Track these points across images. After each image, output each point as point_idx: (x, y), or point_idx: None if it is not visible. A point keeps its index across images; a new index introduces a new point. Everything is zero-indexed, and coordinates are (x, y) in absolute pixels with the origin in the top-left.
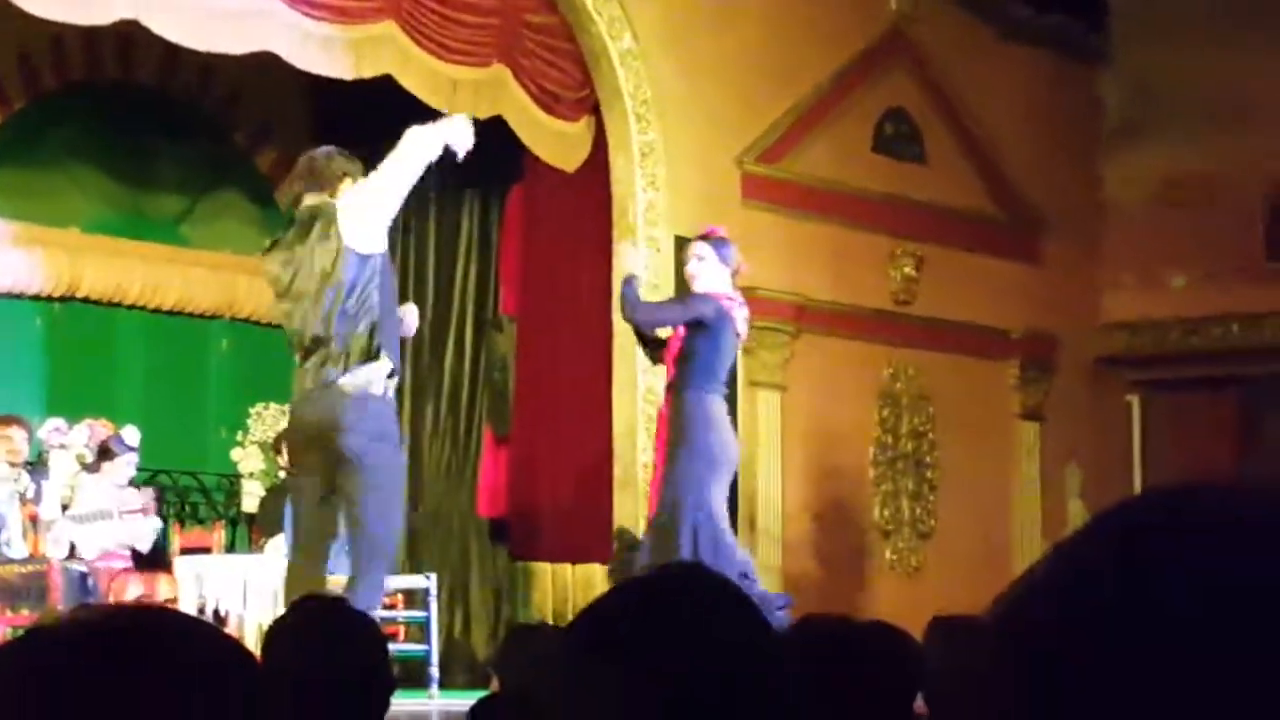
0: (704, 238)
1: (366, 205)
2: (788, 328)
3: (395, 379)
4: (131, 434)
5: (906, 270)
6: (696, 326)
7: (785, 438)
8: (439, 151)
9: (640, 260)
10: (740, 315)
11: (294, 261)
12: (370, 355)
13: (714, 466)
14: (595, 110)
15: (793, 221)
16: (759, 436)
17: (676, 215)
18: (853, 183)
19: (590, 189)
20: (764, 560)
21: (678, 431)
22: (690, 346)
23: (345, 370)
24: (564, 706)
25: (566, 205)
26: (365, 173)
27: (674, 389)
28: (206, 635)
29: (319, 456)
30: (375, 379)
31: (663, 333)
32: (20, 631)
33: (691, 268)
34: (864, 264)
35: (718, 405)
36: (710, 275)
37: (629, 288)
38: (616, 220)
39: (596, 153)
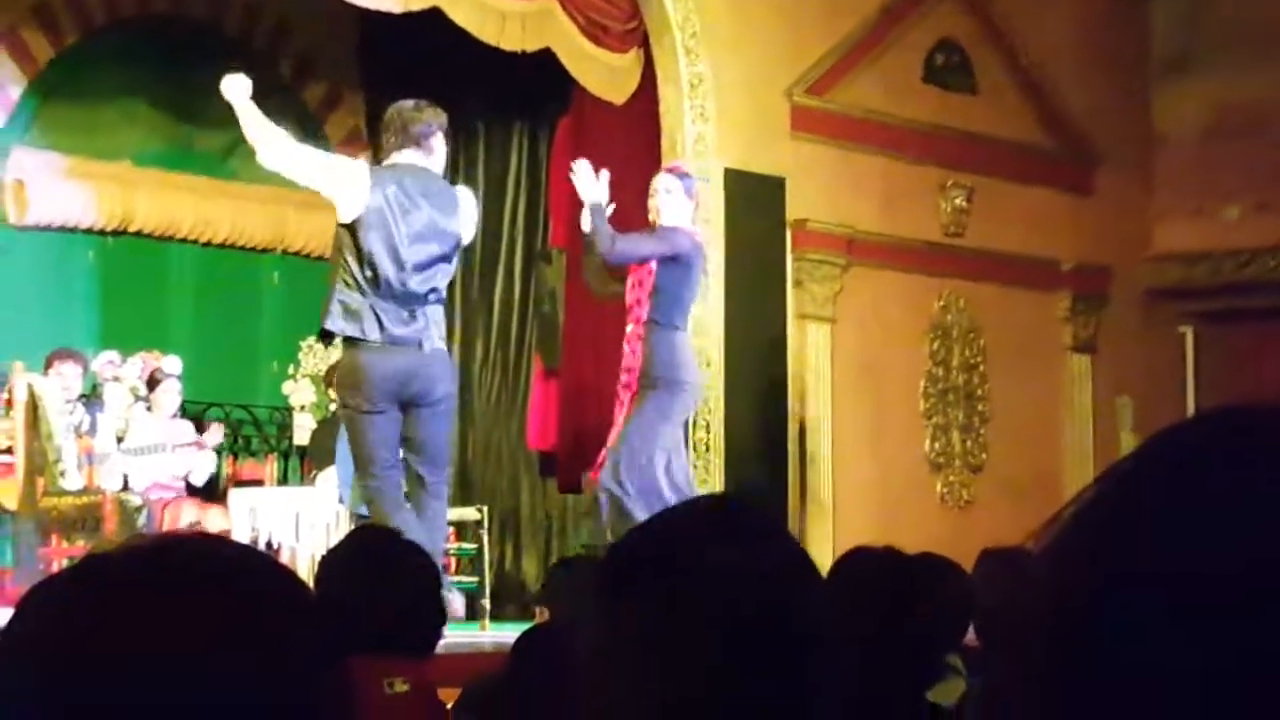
0: (669, 171)
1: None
2: (838, 260)
3: None
4: (173, 362)
5: (957, 202)
6: (670, 260)
7: (835, 371)
8: None
9: (604, 187)
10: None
11: (405, 211)
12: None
13: (685, 404)
14: (644, 42)
15: (842, 153)
16: (808, 370)
17: (726, 147)
18: (903, 114)
19: (639, 121)
20: (814, 494)
21: (650, 367)
22: (662, 281)
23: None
24: (592, 642)
25: (615, 138)
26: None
27: (647, 323)
28: (258, 561)
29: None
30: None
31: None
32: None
33: (658, 201)
34: (914, 196)
35: (685, 340)
36: (677, 209)
37: (600, 219)
38: (665, 152)
39: (645, 85)
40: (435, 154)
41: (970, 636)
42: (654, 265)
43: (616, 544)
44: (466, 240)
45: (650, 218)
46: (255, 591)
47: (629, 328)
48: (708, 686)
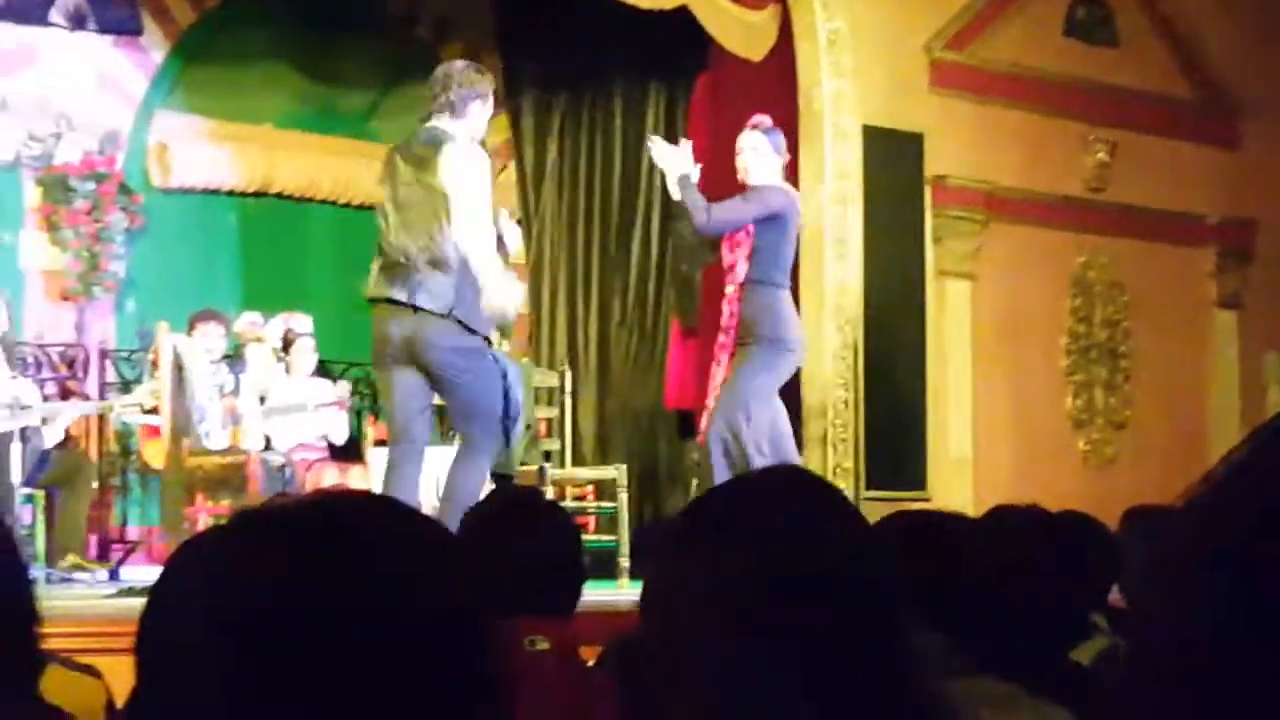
0: (754, 127)
1: (455, 179)
2: (977, 216)
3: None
4: (304, 321)
5: (1099, 156)
6: (767, 219)
7: (975, 328)
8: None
9: (688, 156)
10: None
11: (412, 170)
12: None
13: (789, 363)
14: None
15: (982, 108)
16: (947, 327)
17: (864, 104)
18: (1044, 67)
19: (776, 78)
20: (955, 451)
21: (755, 326)
22: (760, 240)
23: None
24: (655, 599)
25: (752, 95)
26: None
27: (747, 283)
28: (409, 516)
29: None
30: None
31: None
32: (220, 520)
33: (745, 160)
34: (1056, 150)
35: (788, 298)
36: (766, 166)
37: (690, 191)
38: (803, 110)
39: (782, 41)
40: (469, 119)
41: (1115, 595)
42: (751, 225)
43: (686, 507)
44: (452, 194)
45: (739, 177)
46: (402, 543)
47: (729, 288)
48: (758, 646)
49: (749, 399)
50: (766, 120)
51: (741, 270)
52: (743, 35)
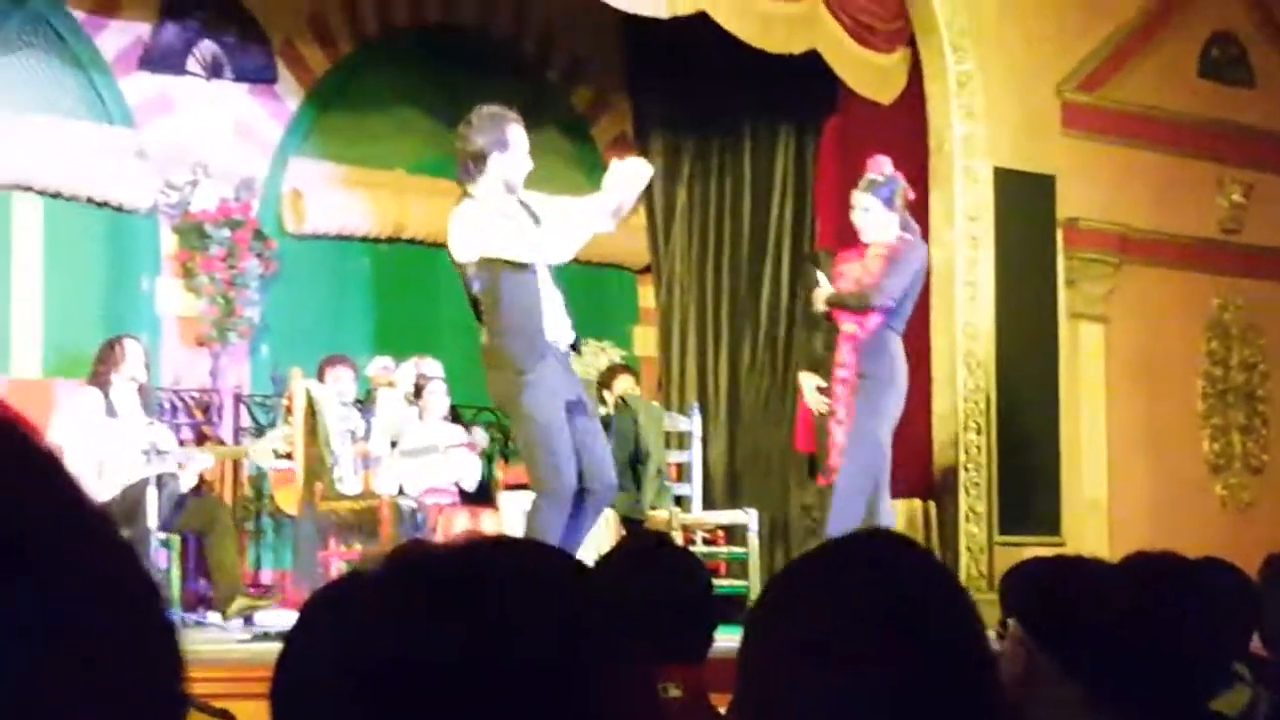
0: (864, 188)
1: (473, 231)
2: (1111, 258)
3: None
4: (434, 365)
5: (1234, 198)
6: None
7: (1109, 371)
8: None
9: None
10: None
11: None
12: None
13: (900, 406)
14: (910, 41)
15: (1115, 150)
16: (1081, 370)
17: (995, 146)
18: (1177, 108)
19: (906, 121)
20: (1089, 496)
21: (876, 369)
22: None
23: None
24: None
25: (882, 138)
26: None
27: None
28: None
29: None
30: None
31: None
32: (351, 566)
33: (858, 220)
34: (1189, 192)
35: (901, 345)
36: (880, 224)
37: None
38: (933, 152)
39: (912, 84)
40: (491, 172)
41: (1256, 644)
42: (881, 277)
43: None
44: (458, 256)
45: (859, 234)
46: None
47: (848, 326)
48: (851, 701)
49: (876, 442)
50: (879, 173)
51: (873, 318)
52: (872, 78)
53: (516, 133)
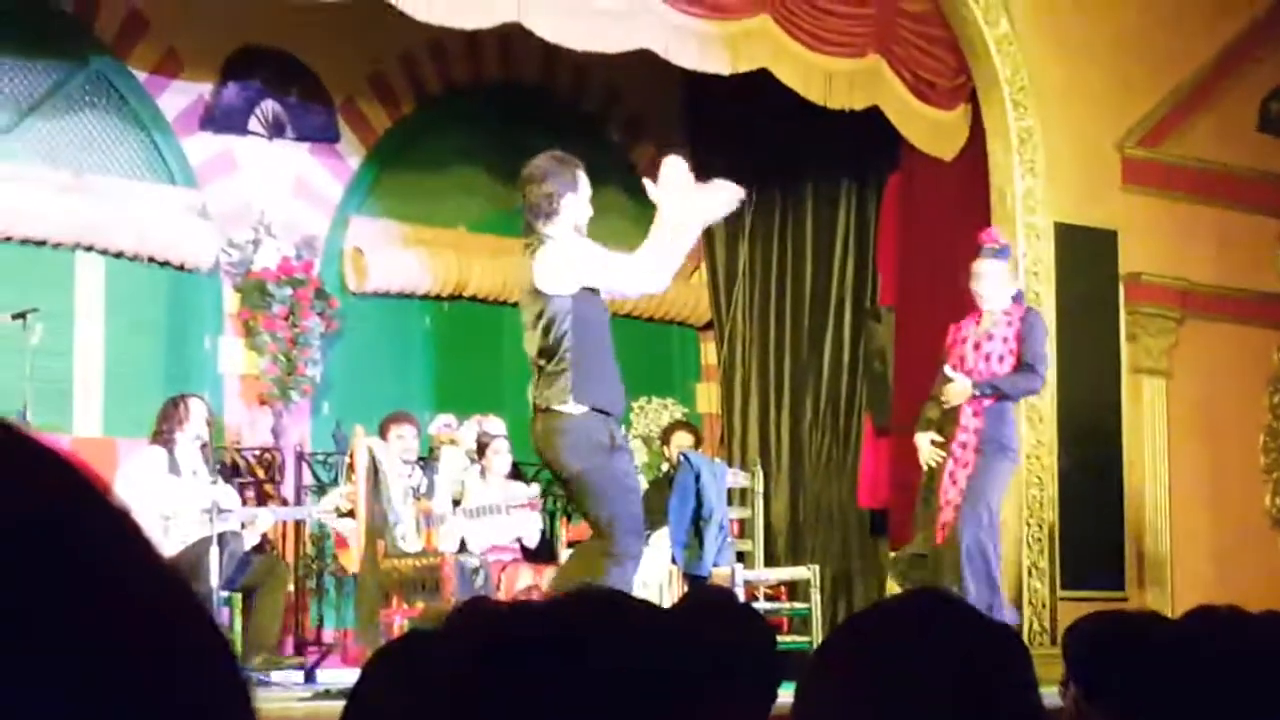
0: (983, 256)
1: (567, 262)
2: (1173, 313)
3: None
4: (496, 424)
5: None
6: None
7: (1172, 426)
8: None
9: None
10: None
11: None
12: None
13: (1013, 474)
14: (972, 97)
15: (1176, 205)
16: (1143, 424)
17: (1056, 202)
18: (1238, 163)
19: (968, 176)
20: (1150, 551)
21: (996, 433)
22: (1010, 351)
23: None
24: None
25: (944, 194)
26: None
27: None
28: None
29: None
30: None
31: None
32: (414, 623)
33: (979, 287)
34: (1251, 247)
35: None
36: (999, 287)
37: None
38: (995, 207)
39: (974, 140)
40: (563, 215)
41: None
42: (1016, 345)
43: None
44: (545, 287)
45: (977, 300)
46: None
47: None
48: None
49: (995, 507)
50: (994, 241)
51: (985, 377)
52: (934, 134)
53: (583, 176)
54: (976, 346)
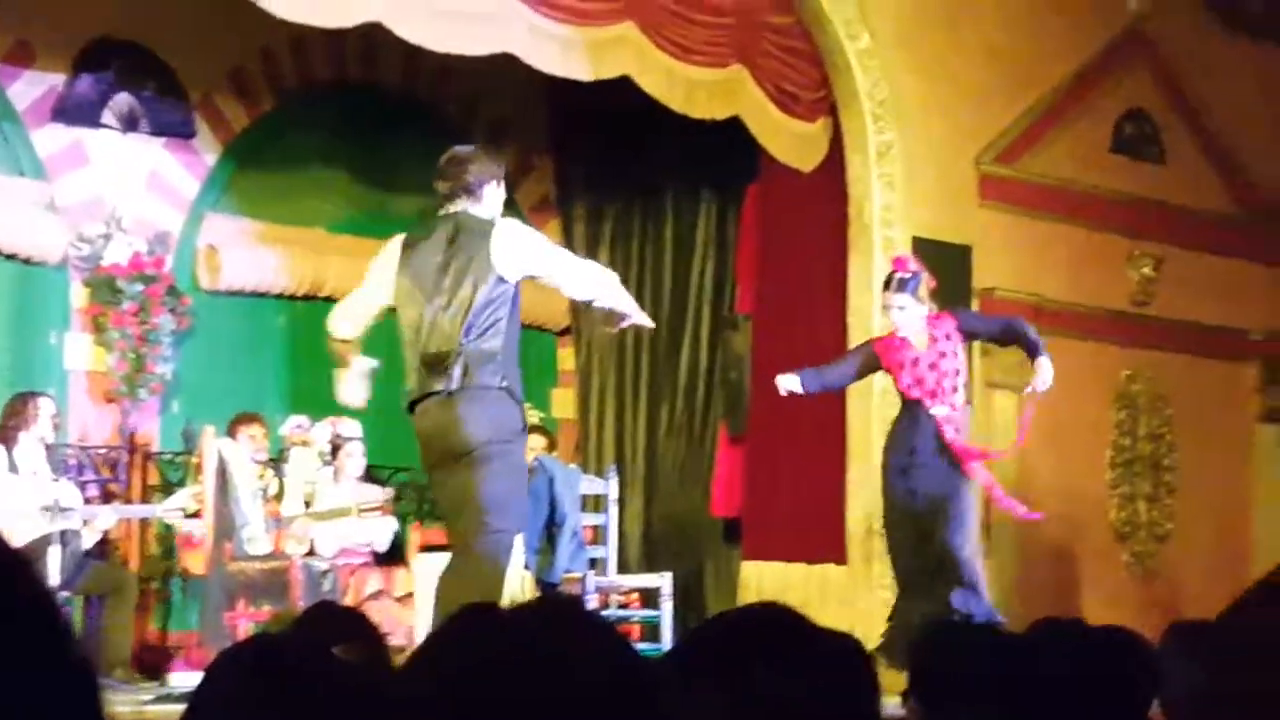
0: (897, 288)
1: (529, 247)
2: None
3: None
4: (352, 426)
5: (1145, 271)
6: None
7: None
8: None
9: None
10: None
11: (442, 259)
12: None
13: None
14: (833, 110)
15: (1030, 222)
16: (995, 437)
17: (913, 216)
18: (1091, 183)
19: (827, 189)
20: (1000, 563)
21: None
22: (961, 363)
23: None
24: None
25: (803, 205)
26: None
27: (966, 404)
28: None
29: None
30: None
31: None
32: (260, 627)
33: (894, 318)
34: (1102, 265)
35: None
36: (916, 317)
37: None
38: (852, 220)
39: (833, 153)
40: (485, 201)
41: (1155, 711)
42: (961, 349)
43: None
44: (507, 274)
45: (897, 332)
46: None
47: (941, 410)
48: None
49: (974, 508)
50: (905, 271)
51: (961, 394)
52: (794, 146)
53: (503, 174)
54: (933, 366)
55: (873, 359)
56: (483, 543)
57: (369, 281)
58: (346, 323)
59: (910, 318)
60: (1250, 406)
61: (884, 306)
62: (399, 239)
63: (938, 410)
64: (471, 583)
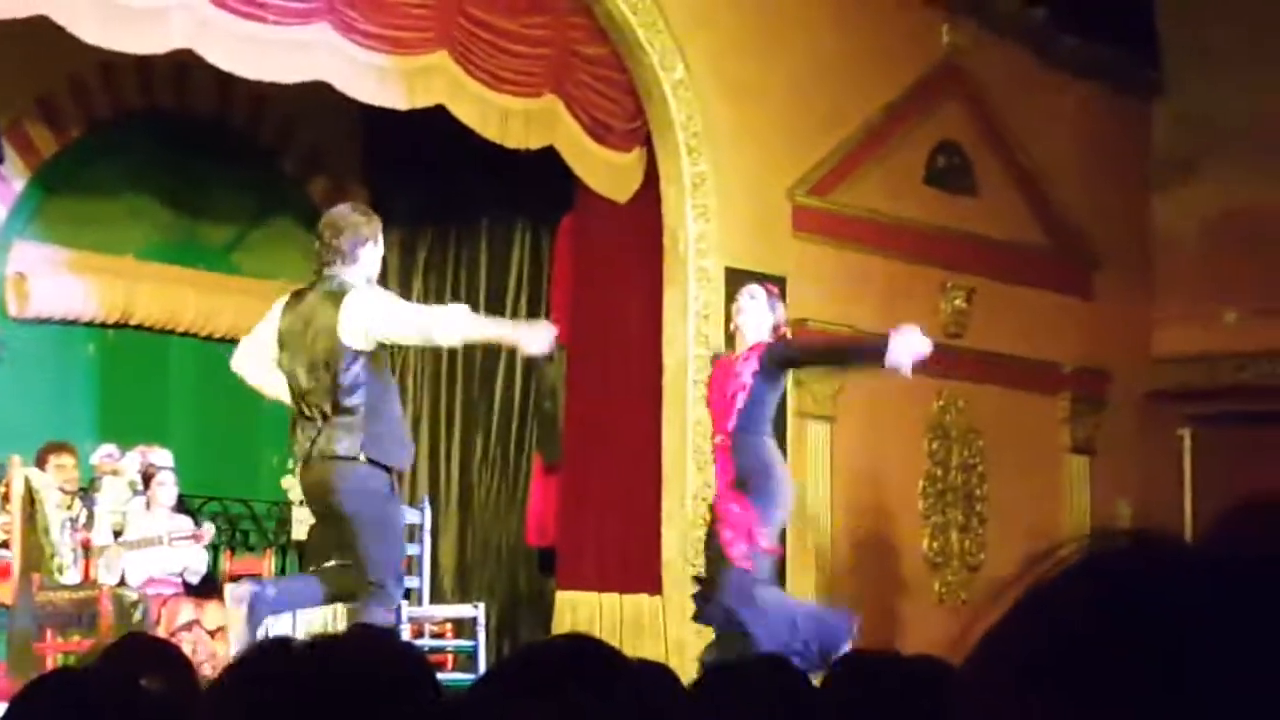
0: (747, 293)
1: (372, 315)
2: None
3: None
4: (164, 455)
5: (957, 303)
6: (772, 375)
7: (834, 470)
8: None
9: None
10: None
11: (303, 323)
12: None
13: (784, 508)
14: (647, 141)
15: (844, 253)
16: (807, 468)
17: (727, 246)
18: (904, 215)
19: (641, 219)
20: (814, 590)
21: (750, 475)
22: (758, 393)
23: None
24: None
25: (617, 235)
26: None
27: (738, 432)
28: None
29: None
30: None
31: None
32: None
33: (741, 317)
34: (915, 296)
35: (776, 447)
36: (758, 318)
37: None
38: (667, 251)
39: (648, 183)
40: (360, 263)
41: None
42: (750, 380)
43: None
44: (348, 340)
45: (734, 330)
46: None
47: (715, 437)
48: None
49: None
50: (771, 290)
51: (736, 421)
52: (609, 177)
53: (380, 231)
54: (732, 397)
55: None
56: (367, 599)
57: (257, 330)
58: (249, 366)
59: (754, 313)
60: (1060, 438)
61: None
62: (289, 293)
63: (718, 438)
64: None
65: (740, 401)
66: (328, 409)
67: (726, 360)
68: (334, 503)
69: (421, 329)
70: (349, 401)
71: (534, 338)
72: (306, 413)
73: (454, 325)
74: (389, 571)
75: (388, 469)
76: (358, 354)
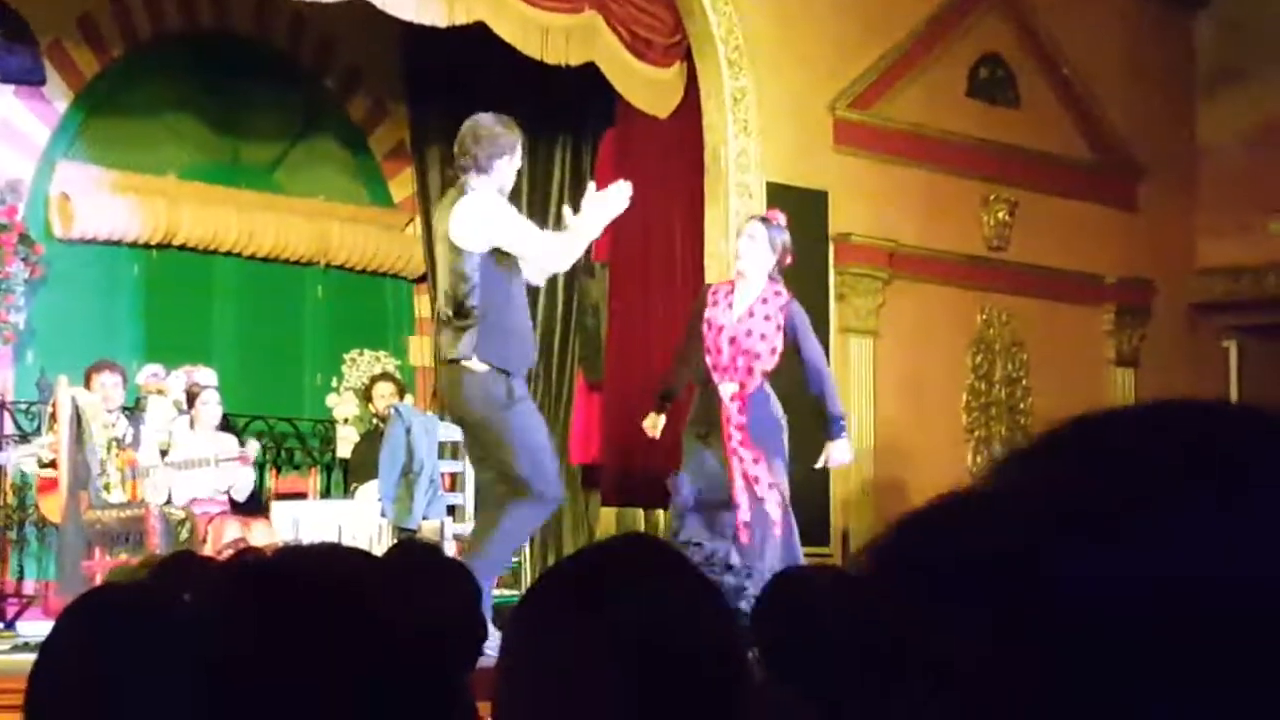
0: (759, 219)
1: (481, 220)
2: (880, 274)
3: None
4: (208, 374)
5: (1000, 216)
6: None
7: (878, 384)
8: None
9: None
10: None
11: (436, 229)
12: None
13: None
14: (688, 56)
15: (885, 167)
16: (850, 383)
17: (769, 161)
18: (946, 128)
19: (682, 135)
20: (855, 508)
21: (762, 415)
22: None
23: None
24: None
25: (659, 151)
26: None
27: (758, 393)
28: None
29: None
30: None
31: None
32: (118, 575)
33: (740, 244)
34: (957, 210)
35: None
36: (756, 257)
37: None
38: (708, 166)
39: (689, 98)
40: (495, 174)
41: None
42: (778, 337)
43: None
44: (460, 242)
45: (737, 263)
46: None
47: (732, 388)
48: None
49: (785, 487)
50: (777, 215)
51: (756, 379)
52: (649, 92)
53: (520, 145)
54: (733, 341)
55: (701, 306)
56: (518, 507)
57: None
58: None
59: (754, 255)
60: (1104, 350)
61: (740, 235)
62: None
63: (725, 388)
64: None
65: (771, 361)
66: (450, 312)
67: (726, 297)
68: (459, 411)
69: (533, 249)
70: (467, 304)
71: (615, 206)
72: (441, 317)
73: (563, 255)
74: (535, 475)
75: (507, 373)
76: (472, 257)
